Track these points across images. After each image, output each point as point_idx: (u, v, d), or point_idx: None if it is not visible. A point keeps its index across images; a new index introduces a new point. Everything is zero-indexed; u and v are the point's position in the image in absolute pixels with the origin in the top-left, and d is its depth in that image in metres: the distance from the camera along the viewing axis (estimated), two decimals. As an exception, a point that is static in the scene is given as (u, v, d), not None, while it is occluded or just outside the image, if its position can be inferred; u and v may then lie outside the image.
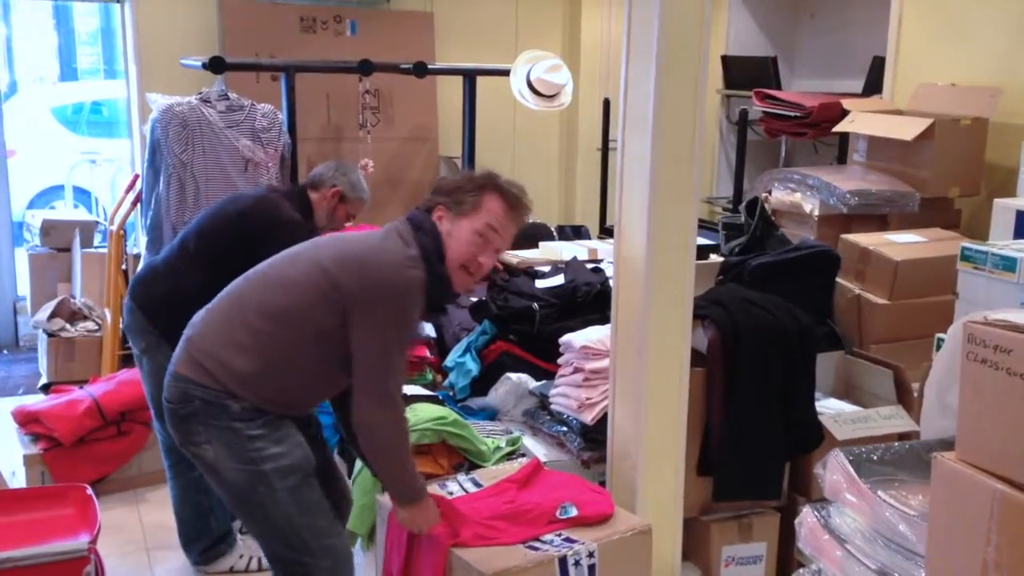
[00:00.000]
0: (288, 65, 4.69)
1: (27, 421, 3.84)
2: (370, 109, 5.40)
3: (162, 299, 3.05)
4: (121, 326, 3.32)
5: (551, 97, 4.67)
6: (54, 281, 5.44)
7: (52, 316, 4.94)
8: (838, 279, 3.58)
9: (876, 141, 4.35)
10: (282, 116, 4.52)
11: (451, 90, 5.54)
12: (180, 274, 3.09)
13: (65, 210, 6.90)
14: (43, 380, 4.96)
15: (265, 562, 2.52)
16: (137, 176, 4.83)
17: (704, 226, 4.87)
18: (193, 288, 2.65)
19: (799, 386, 2.88)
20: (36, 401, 4.12)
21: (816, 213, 4.11)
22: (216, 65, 4.39)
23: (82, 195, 7.36)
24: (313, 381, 2.36)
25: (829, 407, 3.13)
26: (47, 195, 7.68)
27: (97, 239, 5.53)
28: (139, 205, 4.66)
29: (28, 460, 3.72)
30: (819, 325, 3.31)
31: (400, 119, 5.55)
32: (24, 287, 5.72)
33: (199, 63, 4.50)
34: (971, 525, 1.58)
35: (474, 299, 3.84)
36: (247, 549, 3.32)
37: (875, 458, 2.00)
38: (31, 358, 5.43)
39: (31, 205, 7.47)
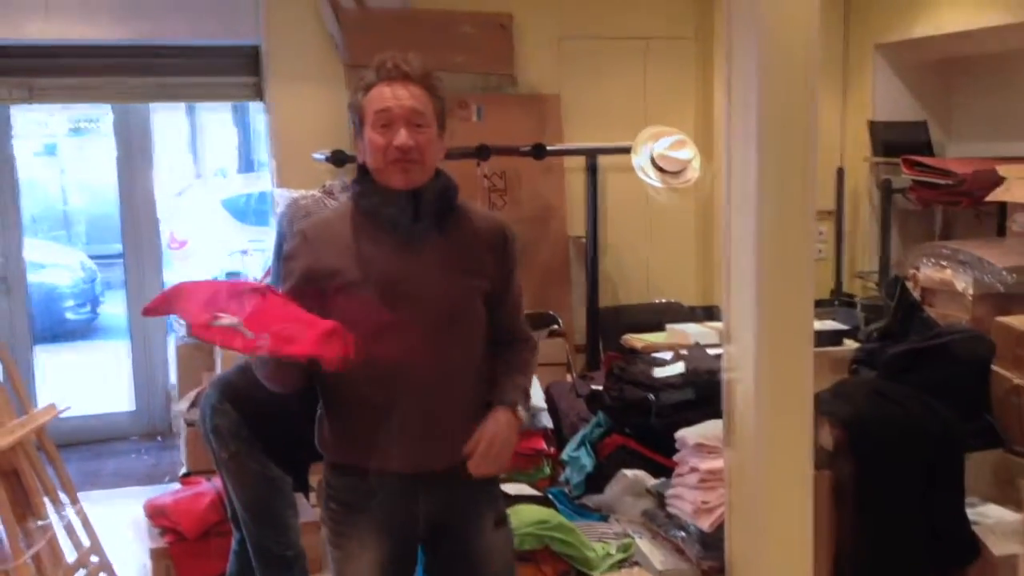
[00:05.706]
0: (408, 154, 4.73)
1: (155, 514, 3.91)
2: (497, 192, 5.37)
3: (259, 401, 2.68)
4: (204, 428, 3.09)
5: (676, 174, 4.49)
6: (199, 370, 5.60)
7: (191, 406, 5.05)
8: (993, 367, 3.20)
9: (1037, 210, 3.94)
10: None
11: (580, 170, 5.46)
12: None
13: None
14: (183, 470, 5.07)
15: None
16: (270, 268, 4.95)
17: (847, 303, 4.54)
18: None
19: (943, 491, 2.56)
20: (166, 492, 4.20)
21: (970, 292, 3.73)
22: (337, 158, 4.49)
23: (239, 285, 7.67)
24: None
25: (987, 515, 2.77)
26: (214, 284, 8.05)
27: (273, 330, 5.67)
28: (269, 296, 4.75)
29: (154, 554, 3.76)
30: (972, 420, 2.96)
31: (528, 201, 5.49)
32: (176, 376, 5.92)
33: (323, 156, 4.61)
34: None
35: (592, 387, 3.68)
36: None
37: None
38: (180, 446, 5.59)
39: (200, 294, 7.84)
